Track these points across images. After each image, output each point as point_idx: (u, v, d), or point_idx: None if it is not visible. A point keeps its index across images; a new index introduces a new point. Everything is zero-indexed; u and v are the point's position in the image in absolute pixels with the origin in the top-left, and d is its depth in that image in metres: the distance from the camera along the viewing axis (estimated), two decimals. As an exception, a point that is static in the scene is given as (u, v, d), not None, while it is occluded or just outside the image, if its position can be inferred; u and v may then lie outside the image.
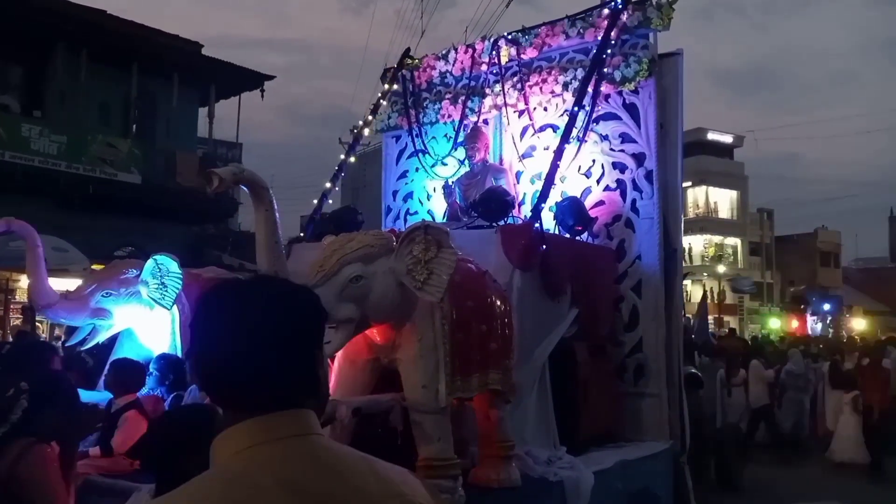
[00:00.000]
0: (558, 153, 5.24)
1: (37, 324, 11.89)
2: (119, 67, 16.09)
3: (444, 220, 6.29)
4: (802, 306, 23.61)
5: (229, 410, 1.07)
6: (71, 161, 15.10)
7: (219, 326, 1.07)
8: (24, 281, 12.20)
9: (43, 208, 13.88)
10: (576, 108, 5.50)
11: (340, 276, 3.12)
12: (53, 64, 15.54)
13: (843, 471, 9.25)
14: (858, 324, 22.51)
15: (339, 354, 3.40)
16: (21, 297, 13.38)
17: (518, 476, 3.83)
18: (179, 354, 4.69)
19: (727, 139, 40.37)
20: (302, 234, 6.39)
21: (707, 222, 38.18)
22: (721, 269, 36.14)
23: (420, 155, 7.18)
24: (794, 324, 23.28)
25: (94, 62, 15.68)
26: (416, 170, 7.30)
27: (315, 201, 6.91)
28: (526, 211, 6.02)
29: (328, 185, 6.85)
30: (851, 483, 8.43)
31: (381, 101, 7.35)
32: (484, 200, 5.02)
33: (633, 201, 5.93)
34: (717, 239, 38.39)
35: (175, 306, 4.63)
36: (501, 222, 5.02)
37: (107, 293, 4.53)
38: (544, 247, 4.73)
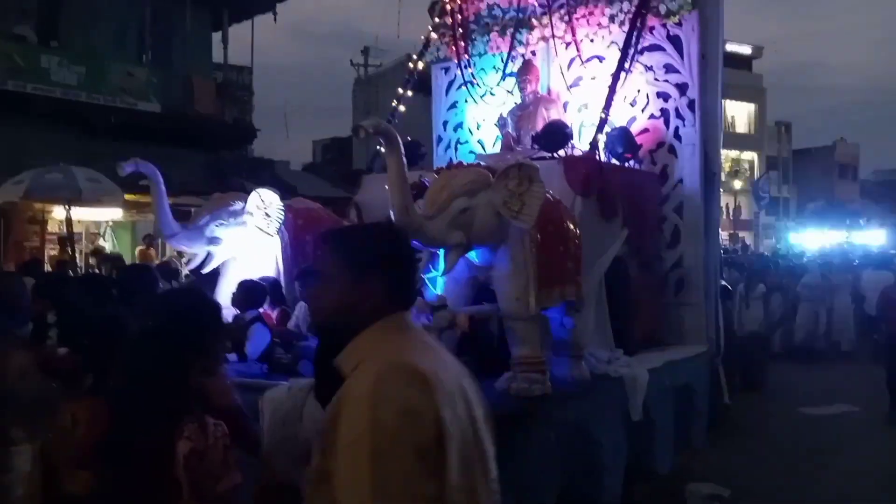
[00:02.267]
0: (613, 87, 5.71)
1: (75, 254, 11.70)
2: (131, -9, 15.76)
3: (499, 151, 6.81)
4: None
5: (389, 304, 1.67)
6: (91, 91, 15.19)
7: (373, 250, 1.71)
8: (56, 212, 12.28)
9: (66, 139, 14.06)
10: (629, 43, 5.91)
11: (451, 208, 3.71)
12: (67, -10, 15.24)
13: (858, 376, 9.88)
14: (876, 237, 22.96)
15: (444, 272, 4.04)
16: (54, 228, 13.59)
17: (588, 373, 4.53)
18: (282, 276, 5.39)
19: (745, 50, 39.65)
20: (370, 168, 6.93)
21: (724, 136, 37.99)
22: (738, 184, 36.32)
23: (469, 86, 7.61)
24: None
25: (107, -13, 15.36)
26: (466, 100, 7.75)
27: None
28: (574, 138, 6.51)
29: (391, 119, 7.31)
30: (864, 388, 8.98)
31: (432, 33, 7.73)
32: (546, 133, 5.53)
33: (676, 129, 6.41)
34: (733, 154, 38.27)
35: (277, 234, 5.27)
36: (561, 152, 5.55)
37: (219, 223, 5.16)
38: (602, 174, 5.28)
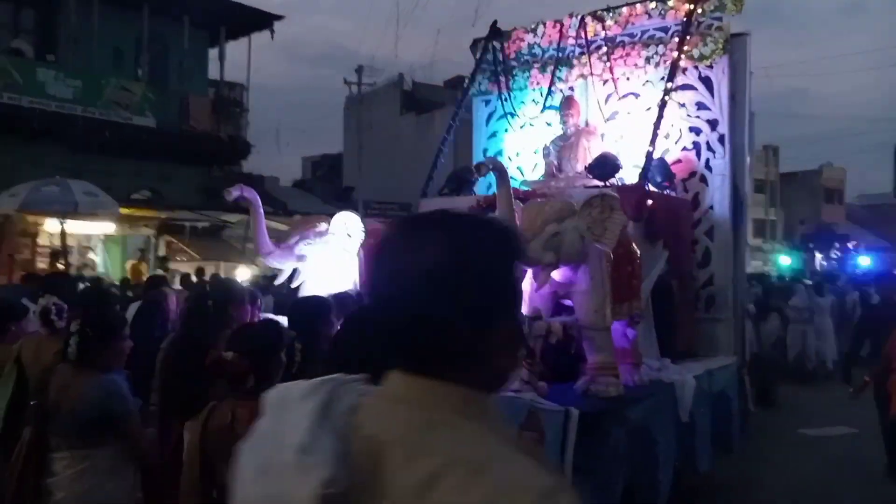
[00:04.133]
0: (657, 125, 6.35)
1: (60, 266, 11.48)
2: (130, 9, 16.14)
3: (542, 178, 7.42)
4: (811, 245, 24.96)
5: None
6: (86, 105, 15.42)
7: None
8: (48, 225, 12.47)
9: (60, 152, 14.34)
10: (668, 86, 6.57)
11: (545, 232, 4.30)
12: (65, 7, 15.61)
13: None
14: (863, 261, 23.84)
15: (531, 287, 4.61)
16: (44, 241, 13.60)
17: (647, 379, 5.11)
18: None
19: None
20: (424, 193, 7.51)
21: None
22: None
23: (510, 117, 8.25)
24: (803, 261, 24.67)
25: (105, 4, 15.74)
26: (506, 130, 8.39)
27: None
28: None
29: (441, 147, 7.92)
30: (858, 409, 8.55)
31: (476, 70, 8.39)
32: (598, 163, 6.15)
33: (707, 160, 7.06)
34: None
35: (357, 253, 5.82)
36: (612, 181, 6.17)
37: (307, 242, 5.70)
38: (650, 202, 5.90)
